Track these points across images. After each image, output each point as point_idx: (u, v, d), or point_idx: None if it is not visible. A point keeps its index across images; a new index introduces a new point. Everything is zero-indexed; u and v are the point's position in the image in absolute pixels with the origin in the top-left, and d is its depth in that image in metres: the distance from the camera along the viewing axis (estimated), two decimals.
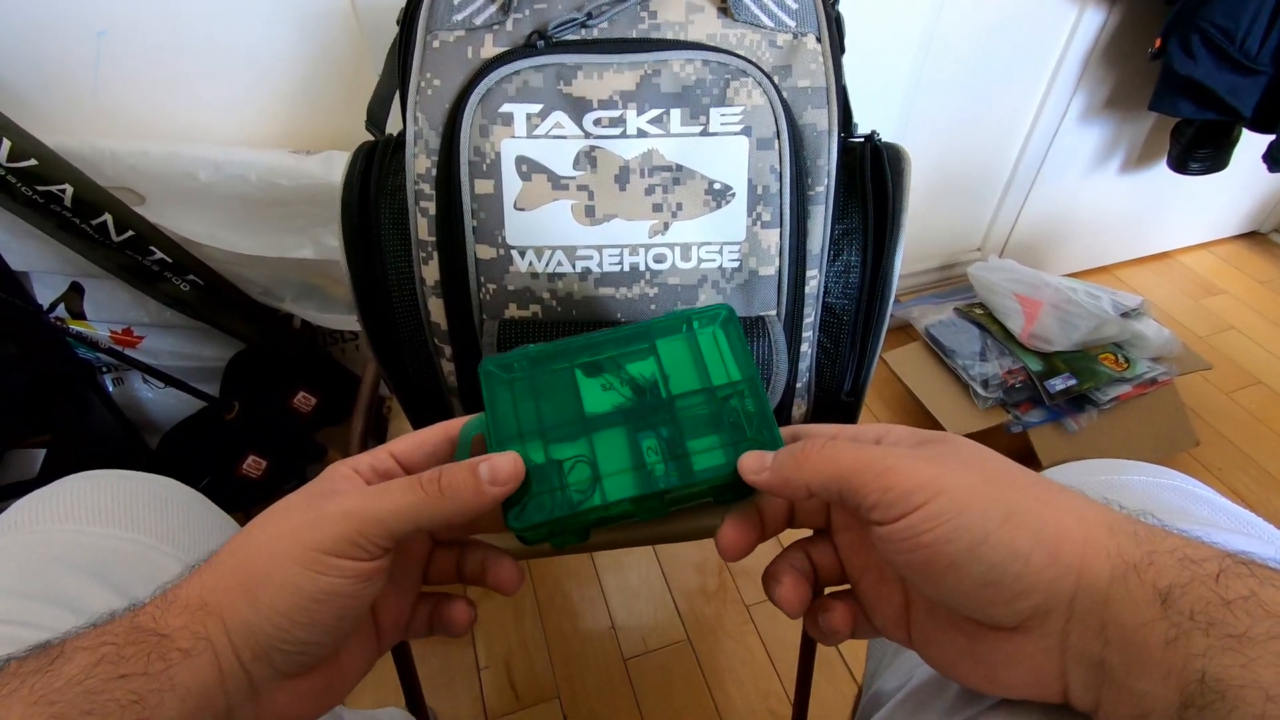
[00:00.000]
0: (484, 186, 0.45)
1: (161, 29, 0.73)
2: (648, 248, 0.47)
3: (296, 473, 0.94)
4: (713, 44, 0.46)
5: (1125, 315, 1.08)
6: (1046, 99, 1.17)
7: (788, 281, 0.49)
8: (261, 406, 0.92)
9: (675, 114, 0.45)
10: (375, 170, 0.49)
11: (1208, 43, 0.96)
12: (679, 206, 0.46)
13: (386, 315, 0.51)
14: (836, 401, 0.56)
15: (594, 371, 0.35)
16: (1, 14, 0.68)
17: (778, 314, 0.49)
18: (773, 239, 0.47)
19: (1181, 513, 0.39)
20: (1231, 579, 0.22)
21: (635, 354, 0.35)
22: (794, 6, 0.48)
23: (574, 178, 0.46)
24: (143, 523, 0.42)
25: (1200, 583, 0.23)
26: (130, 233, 0.75)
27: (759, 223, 0.47)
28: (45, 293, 0.84)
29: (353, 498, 0.28)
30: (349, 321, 0.92)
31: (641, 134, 0.45)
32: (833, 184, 0.48)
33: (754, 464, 0.30)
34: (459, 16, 0.46)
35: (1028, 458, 1.04)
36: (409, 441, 0.33)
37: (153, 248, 0.77)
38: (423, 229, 0.48)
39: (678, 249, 0.47)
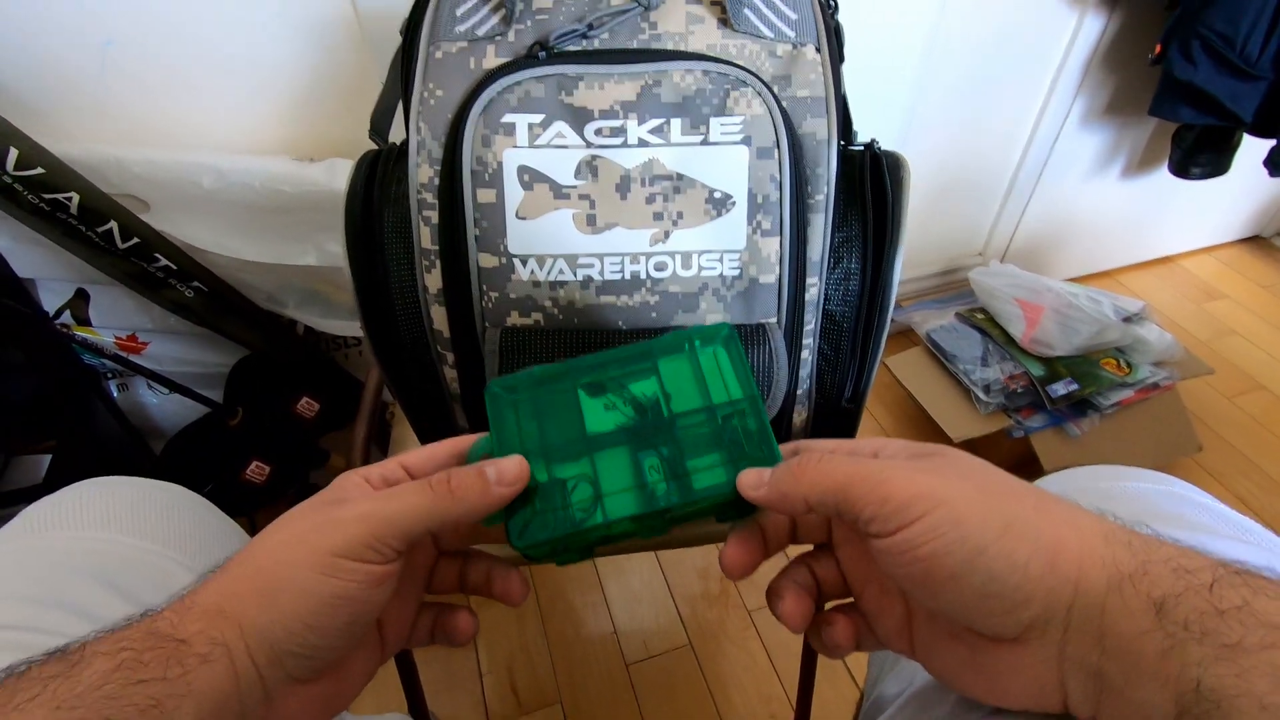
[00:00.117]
0: (486, 196, 0.46)
1: (167, 39, 0.74)
2: (648, 256, 0.47)
3: (300, 478, 0.94)
4: (713, 54, 0.47)
5: (1127, 320, 1.08)
6: (1047, 104, 1.17)
7: (788, 289, 0.49)
8: (265, 412, 0.92)
9: (676, 124, 0.46)
10: (379, 179, 0.50)
11: (1208, 48, 0.96)
12: (679, 215, 0.47)
13: (390, 322, 0.52)
14: (837, 408, 0.56)
15: (597, 391, 0.35)
16: (10, 24, 0.69)
17: (778, 321, 0.50)
18: (773, 247, 0.48)
19: (1180, 519, 0.39)
20: (1225, 588, 0.23)
21: (637, 373, 0.36)
22: (793, 17, 0.48)
23: (575, 187, 0.46)
24: (151, 529, 0.43)
25: (1194, 592, 0.23)
26: (135, 240, 0.76)
27: (759, 231, 0.47)
28: (51, 299, 0.84)
29: (366, 502, 0.29)
30: (352, 327, 0.92)
31: (642, 143, 0.46)
32: (832, 192, 0.49)
33: (752, 480, 0.30)
34: (461, 28, 0.47)
35: (1029, 463, 1.04)
36: (419, 455, 0.33)
37: (158, 254, 0.78)
38: (425, 237, 0.48)
39: (678, 257, 0.47)
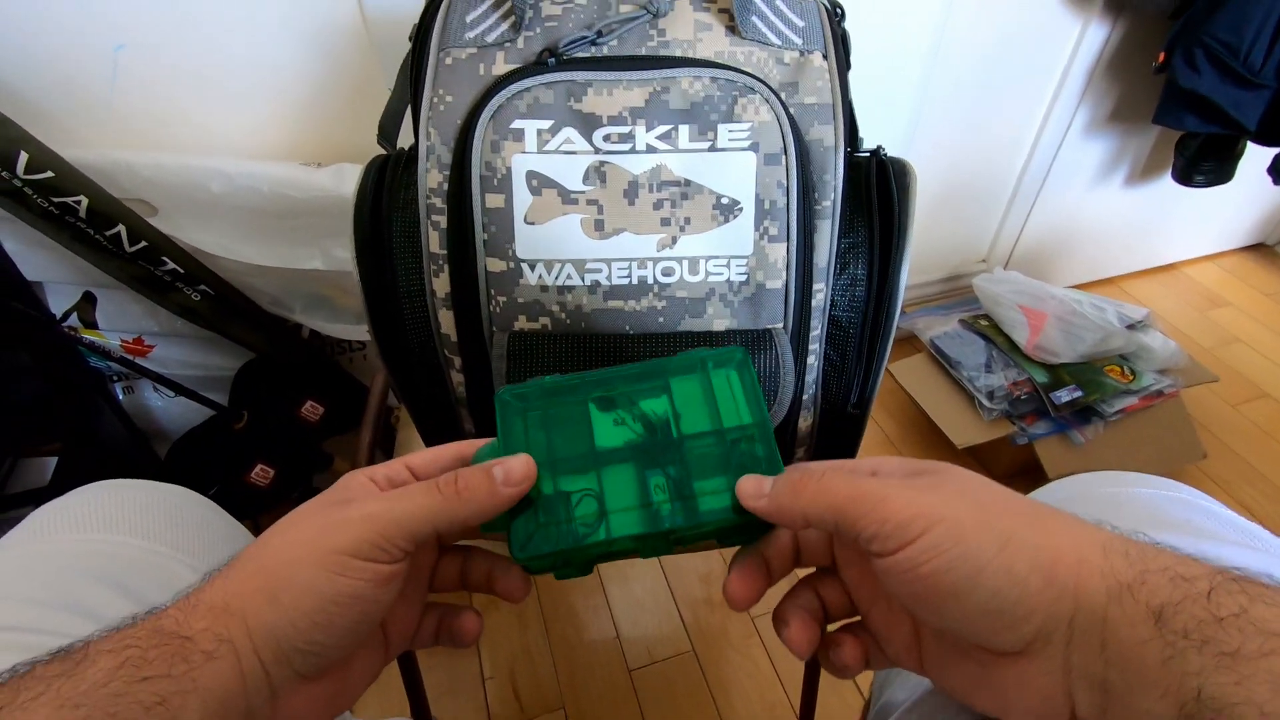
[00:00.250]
0: (495, 201, 0.46)
1: (177, 44, 0.74)
2: (656, 261, 0.47)
3: (303, 482, 0.94)
4: (721, 61, 0.47)
5: (1131, 327, 1.08)
6: (1051, 112, 1.18)
7: (794, 295, 0.49)
8: (270, 416, 0.92)
9: (684, 130, 0.46)
10: (387, 184, 0.50)
11: (1211, 57, 0.96)
12: (687, 221, 0.47)
13: (397, 326, 0.52)
14: (843, 414, 0.56)
15: (607, 406, 0.35)
16: (22, 30, 0.69)
17: (784, 327, 0.50)
18: (780, 253, 0.48)
19: (1187, 525, 0.39)
20: (1222, 596, 0.23)
21: (649, 391, 0.36)
22: (801, 24, 0.48)
23: (584, 192, 0.46)
24: (158, 531, 0.43)
25: (1192, 601, 0.23)
26: (143, 243, 0.76)
27: (766, 237, 0.48)
28: (58, 302, 0.85)
29: (373, 502, 0.29)
30: (357, 331, 0.92)
31: (650, 149, 0.46)
32: (839, 199, 0.49)
33: (752, 489, 0.30)
34: (471, 34, 0.47)
35: (1033, 470, 1.04)
36: (424, 457, 0.33)
37: (165, 258, 0.78)
38: (434, 242, 0.48)
39: (685, 262, 0.48)
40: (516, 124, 0.45)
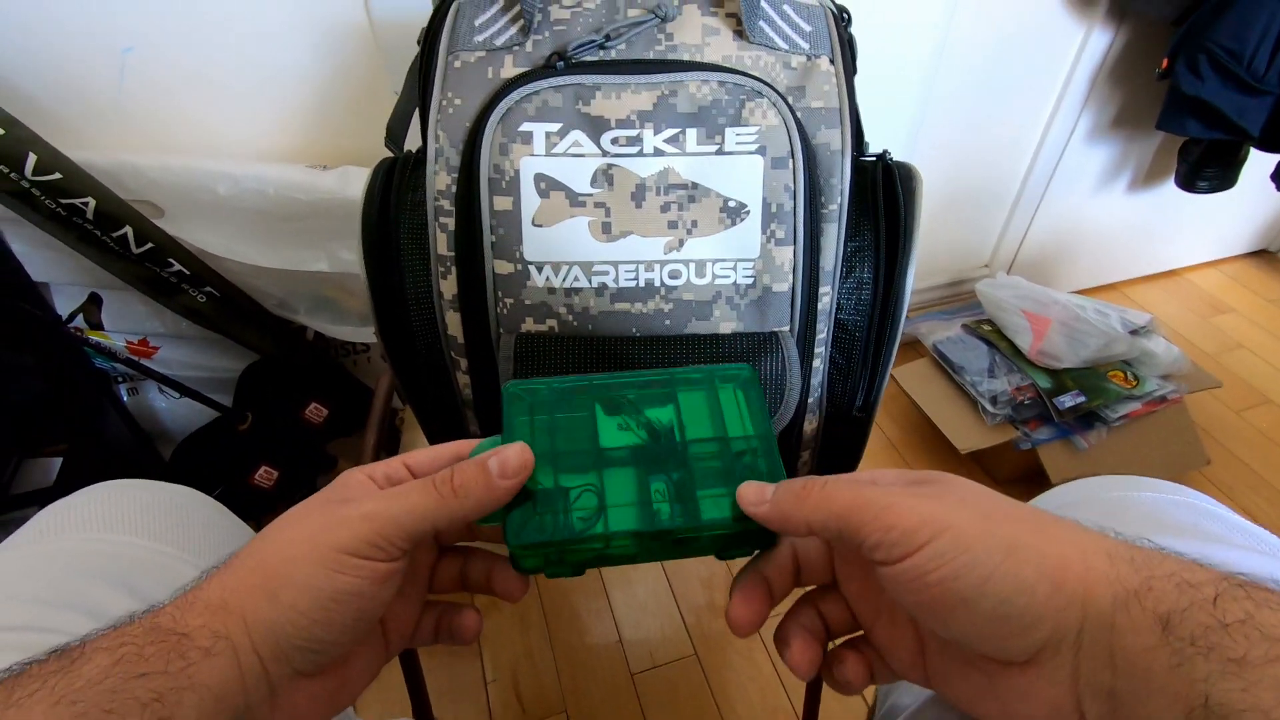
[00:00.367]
0: (503, 203, 0.46)
1: (184, 47, 0.75)
2: (663, 264, 0.47)
3: (307, 483, 0.94)
4: (728, 65, 0.47)
5: (1134, 333, 1.08)
6: (1054, 117, 1.18)
7: (801, 298, 0.49)
8: (274, 417, 0.92)
9: (691, 133, 0.46)
10: (395, 186, 0.50)
11: (1215, 63, 0.97)
12: (694, 224, 0.47)
13: (404, 328, 0.52)
14: (848, 417, 0.56)
15: (613, 410, 0.36)
16: (31, 32, 0.70)
17: (791, 330, 0.50)
18: (786, 256, 0.48)
19: (1195, 529, 0.39)
20: (1228, 602, 0.23)
21: (656, 399, 0.36)
22: (808, 29, 0.49)
23: (591, 195, 0.46)
24: (164, 531, 0.43)
25: (1198, 607, 0.23)
26: (150, 245, 0.76)
27: (773, 240, 0.48)
28: (64, 303, 0.85)
29: (372, 501, 0.29)
30: (361, 334, 0.93)
31: (658, 153, 0.46)
32: (846, 202, 0.49)
33: (754, 495, 0.30)
34: (480, 38, 0.47)
35: (1036, 475, 1.04)
36: (423, 455, 0.33)
37: (171, 260, 0.78)
38: (441, 244, 0.48)
39: (692, 265, 0.48)
40: (525, 127, 0.46)
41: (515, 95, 0.45)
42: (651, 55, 0.47)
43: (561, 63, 0.46)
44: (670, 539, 0.32)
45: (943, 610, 0.26)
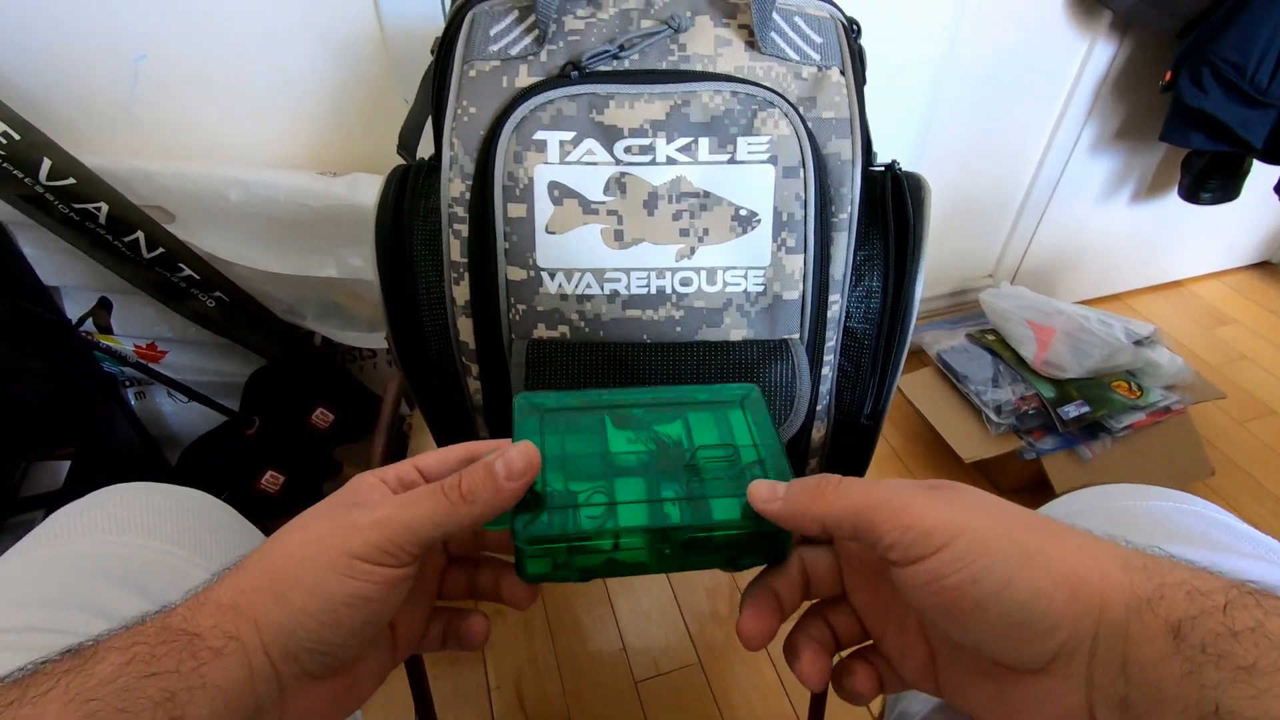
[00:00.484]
0: (516, 210, 0.47)
1: (197, 55, 0.75)
2: (674, 271, 0.48)
3: (313, 488, 0.94)
4: (741, 76, 0.48)
5: (1138, 343, 1.09)
6: (1058, 129, 1.19)
7: (811, 306, 0.49)
8: (281, 422, 0.93)
9: (704, 142, 0.47)
10: (408, 193, 0.51)
11: (1218, 76, 0.97)
12: (706, 232, 0.48)
13: (416, 333, 0.52)
14: (856, 425, 0.56)
15: (623, 423, 0.36)
16: (46, 40, 0.70)
17: (800, 337, 0.50)
18: (797, 264, 0.48)
19: (1203, 538, 0.39)
20: (1238, 610, 0.23)
21: (665, 417, 0.36)
22: (819, 41, 0.49)
23: (604, 203, 0.47)
24: (176, 534, 0.43)
25: (1209, 615, 0.23)
26: (161, 250, 0.77)
27: (784, 248, 0.48)
28: (74, 307, 0.85)
29: (383, 507, 0.29)
30: (368, 339, 0.93)
31: (670, 161, 0.47)
32: (856, 211, 0.49)
33: (765, 493, 0.30)
34: (495, 48, 0.48)
35: (1041, 485, 1.04)
36: (434, 457, 0.34)
37: (181, 265, 0.79)
38: (455, 250, 0.49)
39: (704, 273, 0.48)
40: (539, 135, 0.46)
41: (530, 104, 0.46)
42: (664, 65, 0.48)
43: (576, 72, 0.46)
44: (680, 542, 0.32)
45: (959, 614, 0.26)
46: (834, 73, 0.49)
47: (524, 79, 0.47)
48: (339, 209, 0.78)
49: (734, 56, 0.48)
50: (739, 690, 0.89)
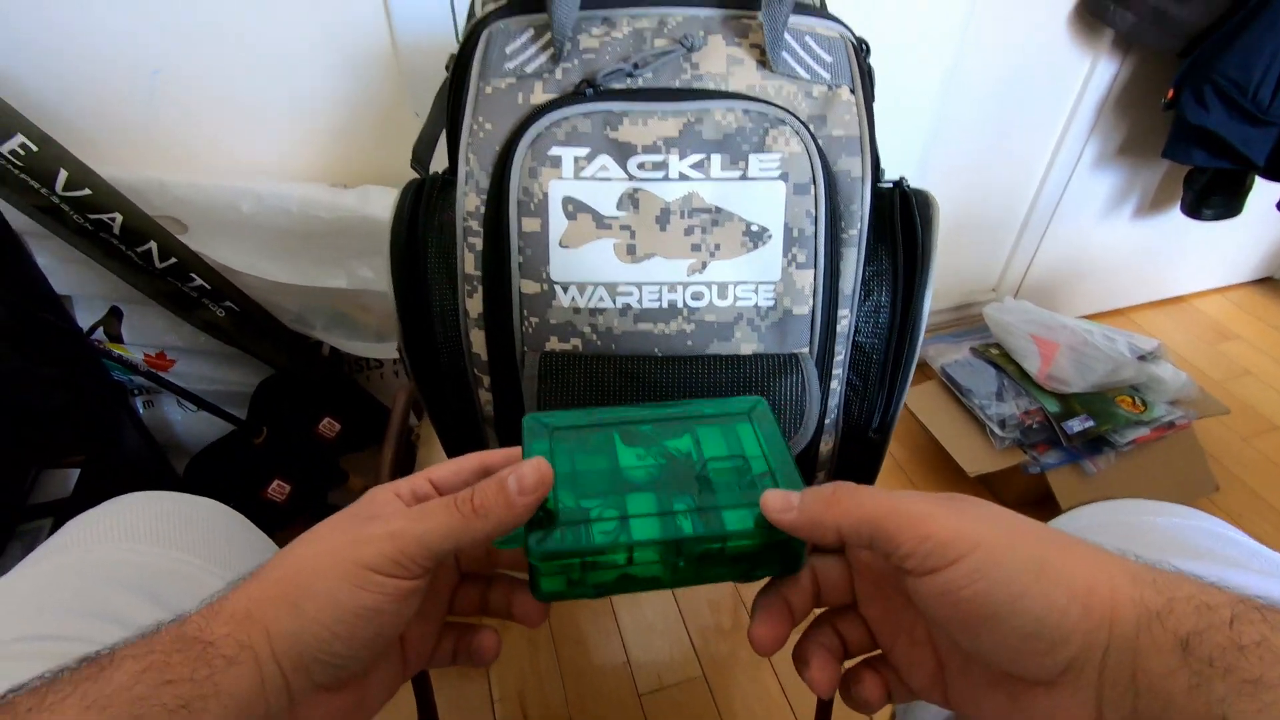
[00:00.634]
0: (531, 224, 0.47)
1: (212, 69, 0.76)
2: (686, 285, 0.48)
3: (320, 498, 0.94)
4: (752, 94, 0.48)
5: (1142, 358, 1.09)
6: (1061, 145, 1.20)
7: (820, 320, 0.50)
8: (288, 431, 0.93)
9: (716, 159, 0.47)
10: (423, 207, 0.52)
11: (1220, 94, 0.98)
12: (717, 247, 0.48)
13: (428, 344, 0.53)
14: (864, 438, 0.57)
15: (632, 439, 0.36)
16: (64, 53, 0.71)
17: (810, 352, 0.51)
18: (807, 279, 0.49)
19: (1210, 554, 0.39)
20: (1244, 624, 0.23)
21: (674, 433, 0.37)
22: (829, 60, 0.50)
23: (617, 218, 0.48)
24: (190, 543, 0.43)
25: (1216, 629, 0.23)
26: (173, 260, 0.77)
27: (794, 264, 0.49)
28: (85, 316, 0.86)
29: (397, 520, 0.30)
30: (376, 349, 0.93)
31: (683, 178, 0.47)
32: (865, 228, 0.50)
33: (779, 502, 0.31)
34: (510, 65, 0.49)
35: (1045, 499, 1.04)
36: (446, 469, 0.34)
37: (193, 275, 0.79)
38: (469, 263, 0.49)
39: (715, 287, 0.49)
40: (554, 151, 0.47)
41: (545, 121, 0.47)
42: (678, 84, 0.48)
43: (590, 90, 0.47)
44: (695, 554, 0.32)
45: (972, 625, 0.26)
46: (844, 91, 0.49)
47: (539, 96, 0.48)
48: (349, 220, 0.79)
49: (746, 75, 0.49)
50: (743, 704, 0.88)
